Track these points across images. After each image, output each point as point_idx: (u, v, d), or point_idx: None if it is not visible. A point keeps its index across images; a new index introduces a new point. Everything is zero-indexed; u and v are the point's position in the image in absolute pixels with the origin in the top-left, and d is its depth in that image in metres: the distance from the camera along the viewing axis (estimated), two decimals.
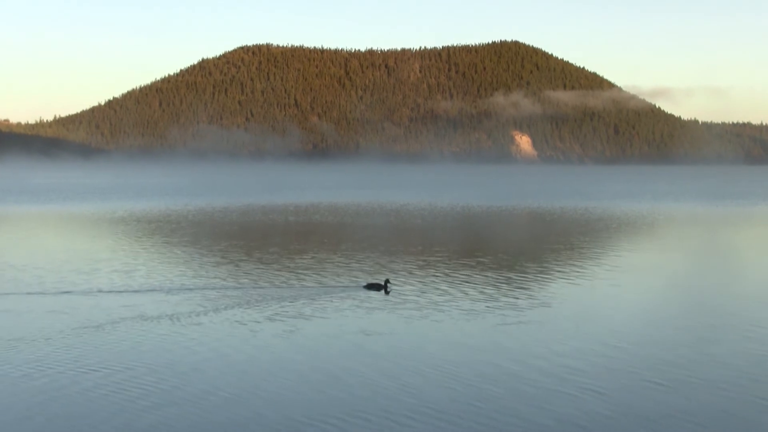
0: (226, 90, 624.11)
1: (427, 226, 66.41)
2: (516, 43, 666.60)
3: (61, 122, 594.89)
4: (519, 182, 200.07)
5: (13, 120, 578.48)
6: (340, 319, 26.81)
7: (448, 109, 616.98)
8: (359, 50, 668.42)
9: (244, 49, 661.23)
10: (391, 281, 32.66)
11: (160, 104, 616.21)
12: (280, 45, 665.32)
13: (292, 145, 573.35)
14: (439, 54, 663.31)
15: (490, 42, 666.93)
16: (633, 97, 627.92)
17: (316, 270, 37.86)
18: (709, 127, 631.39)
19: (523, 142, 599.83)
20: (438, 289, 32.60)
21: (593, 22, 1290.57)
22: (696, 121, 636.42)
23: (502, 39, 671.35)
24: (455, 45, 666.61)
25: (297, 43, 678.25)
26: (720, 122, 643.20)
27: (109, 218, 72.22)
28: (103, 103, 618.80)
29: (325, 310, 28.02)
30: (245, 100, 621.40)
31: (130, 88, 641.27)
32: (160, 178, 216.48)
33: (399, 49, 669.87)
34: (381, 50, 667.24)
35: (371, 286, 31.74)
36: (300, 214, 78.13)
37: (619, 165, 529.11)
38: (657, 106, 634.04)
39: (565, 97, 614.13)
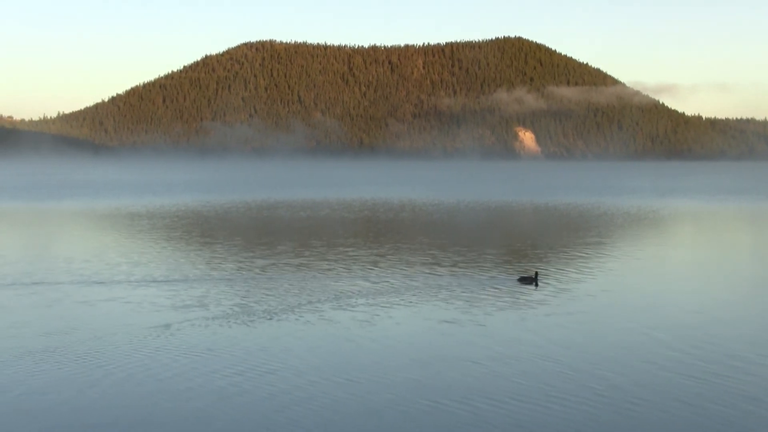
0: (229, 86, 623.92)
1: (511, 221, 66.88)
2: (519, 39, 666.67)
3: (65, 119, 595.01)
4: (537, 178, 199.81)
5: (17, 117, 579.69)
6: (501, 310, 27.24)
7: (452, 105, 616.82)
8: (362, 46, 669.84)
9: (248, 46, 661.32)
10: (540, 273, 33.89)
11: (164, 101, 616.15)
12: (284, 41, 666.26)
13: (296, 141, 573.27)
14: (443, 50, 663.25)
15: (494, 38, 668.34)
16: (637, 93, 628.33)
17: (463, 264, 38.32)
18: (713, 123, 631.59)
19: (527, 138, 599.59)
20: (573, 279, 33.96)
21: (597, 18, 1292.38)
22: (700, 117, 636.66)
23: (506, 35, 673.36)
24: (458, 41, 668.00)
25: (300, 40, 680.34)
26: (724, 118, 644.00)
27: (164, 213, 72.07)
28: (106, 100, 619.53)
29: (482, 304, 28.46)
30: (249, 96, 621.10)
31: (133, 85, 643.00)
32: (174, 174, 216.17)
33: (402, 45, 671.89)
34: (384, 46, 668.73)
35: (524, 280, 32.84)
36: (352, 211, 78.08)
37: (623, 161, 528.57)
38: (661, 102, 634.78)
39: (568, 93, 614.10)
